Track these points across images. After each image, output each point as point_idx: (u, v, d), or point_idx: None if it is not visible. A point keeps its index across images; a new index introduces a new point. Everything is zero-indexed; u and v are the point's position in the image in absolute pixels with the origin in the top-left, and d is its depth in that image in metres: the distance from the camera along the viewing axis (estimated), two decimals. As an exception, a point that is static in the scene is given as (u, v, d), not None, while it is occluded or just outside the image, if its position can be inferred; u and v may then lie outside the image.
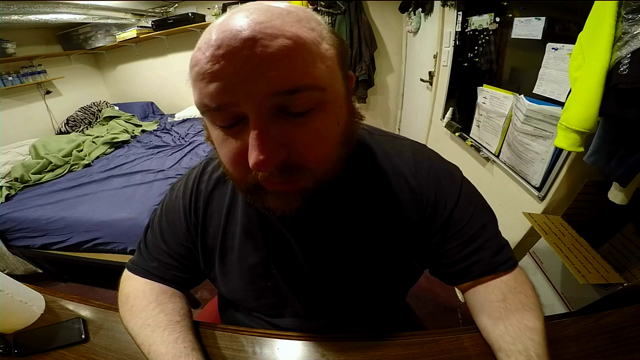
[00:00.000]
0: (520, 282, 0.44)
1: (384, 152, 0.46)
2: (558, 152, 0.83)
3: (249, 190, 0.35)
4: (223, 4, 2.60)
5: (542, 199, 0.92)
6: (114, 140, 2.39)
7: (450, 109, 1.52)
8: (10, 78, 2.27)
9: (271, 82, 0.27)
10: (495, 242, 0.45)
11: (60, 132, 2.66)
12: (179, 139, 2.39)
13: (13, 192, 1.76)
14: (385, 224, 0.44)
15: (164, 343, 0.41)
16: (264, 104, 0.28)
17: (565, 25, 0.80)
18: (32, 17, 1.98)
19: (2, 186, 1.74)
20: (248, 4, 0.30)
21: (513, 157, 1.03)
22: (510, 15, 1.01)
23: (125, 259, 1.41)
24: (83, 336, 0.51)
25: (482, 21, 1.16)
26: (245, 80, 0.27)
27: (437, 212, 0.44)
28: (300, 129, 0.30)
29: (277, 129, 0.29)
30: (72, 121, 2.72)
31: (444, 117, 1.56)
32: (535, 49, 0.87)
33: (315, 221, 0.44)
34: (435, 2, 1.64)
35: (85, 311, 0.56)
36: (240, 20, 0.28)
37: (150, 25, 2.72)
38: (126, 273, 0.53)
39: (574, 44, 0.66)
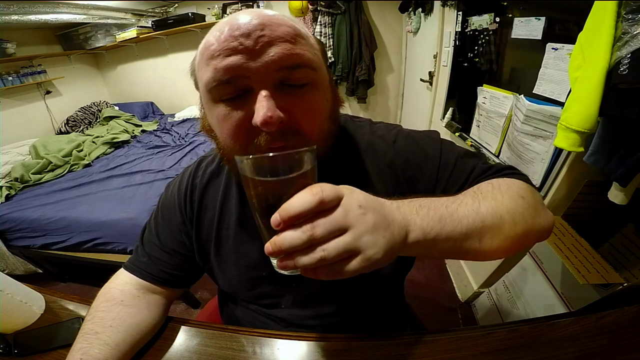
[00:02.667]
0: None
1: (363, 132, 0.51)
2: (558, 152, 0.83)
3: None
4: (223, 4, 2.60)
5: (542, 199, 0.92)
6: (114, 140, 2.39)
7: (450, 109, 1.52)
8: (10, 78, 2.27)
9: (277, 58, 0.33)
10: (494, 165, 0.47)
11: (60, 132, 2.66)
12: (179, 139, 2.39)
13: (13, 192, 1.75)
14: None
15: (72, 351, 0.41)
16: (271, 75, 0.34)
17: (565, 25, 0.80)
18: (32, 17, 1.98)
19: (2, 186, 1.74)
20: (244, 10, 0.36)
21: (513, 157, 1.03)
22: (510, 15, 1.00)
23: (125, 259, 1.39)
24: (83, 336, 0.50)
25: (482, 21, 1.16)
26: (256, 55, 0.33)
27: (423, 171, 0.46)
28: (298, 100, 0.36)
29: (279, 97, 0.34)
30: (72, 121, 2.72)
31: (444, 117, 1.56)
32: (535, 49, 0.87)
33: None
34: (435, 2, 1.64)
35: (85, 311, 0.55)
36: (247, 15, 0.34)
37: (150, 25, 2.72)
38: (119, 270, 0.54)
39: (574, 44, 0.66)
